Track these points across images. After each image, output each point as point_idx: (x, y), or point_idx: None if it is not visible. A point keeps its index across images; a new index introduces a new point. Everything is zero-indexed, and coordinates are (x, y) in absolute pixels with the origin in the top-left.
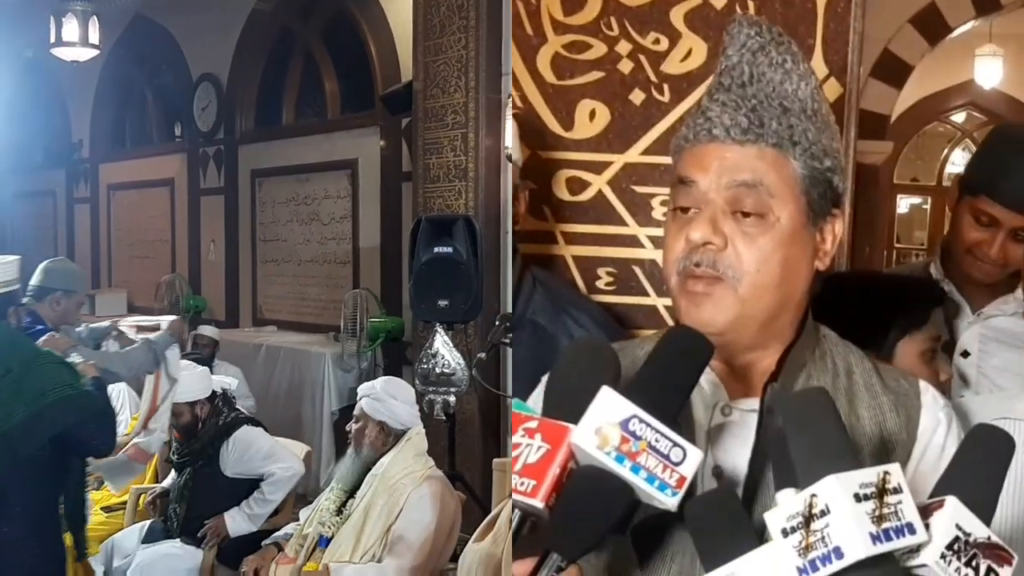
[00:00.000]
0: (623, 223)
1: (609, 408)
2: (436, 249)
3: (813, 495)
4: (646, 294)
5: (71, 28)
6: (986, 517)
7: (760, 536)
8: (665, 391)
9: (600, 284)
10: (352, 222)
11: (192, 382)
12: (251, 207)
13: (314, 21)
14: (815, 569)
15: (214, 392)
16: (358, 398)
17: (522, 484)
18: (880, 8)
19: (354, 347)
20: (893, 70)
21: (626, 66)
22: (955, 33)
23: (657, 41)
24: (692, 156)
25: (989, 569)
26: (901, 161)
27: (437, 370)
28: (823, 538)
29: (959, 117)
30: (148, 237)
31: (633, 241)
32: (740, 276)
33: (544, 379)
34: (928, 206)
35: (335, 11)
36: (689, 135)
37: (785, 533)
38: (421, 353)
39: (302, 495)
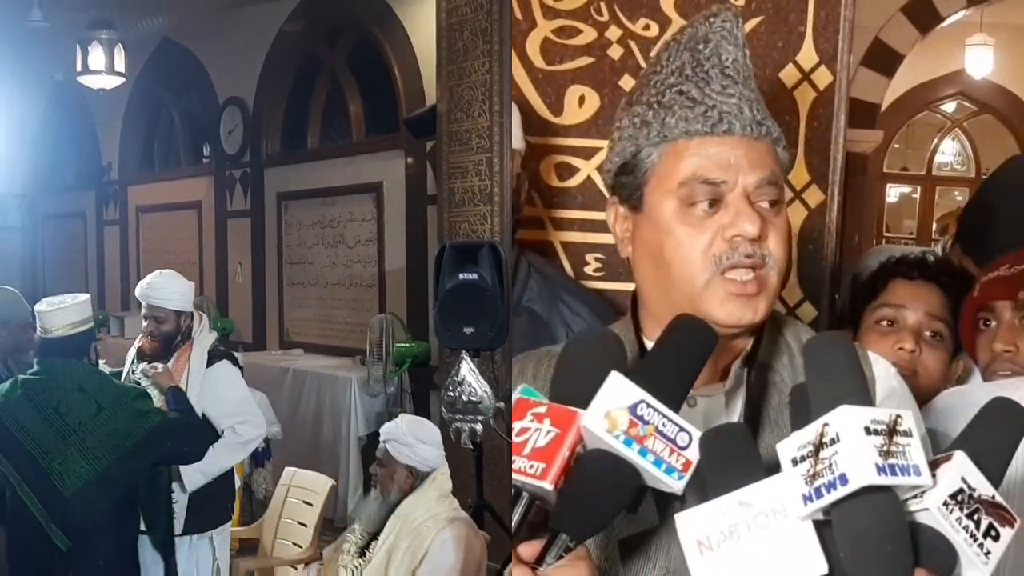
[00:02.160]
0: None
1: (618, 393)
2: (461, 276)
3: (825, 424)
4: (633, 280)
5: (97, 56)
6: (994, 481)
7: (771, 473)
8: (671, 377)
9: (588, 270)
10: (378, 245)
11: (185, 289)
12: (277, 229)
13: (339, 45)
14: (819, 496)
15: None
16: (381, 440)
17: (531, 467)
18: None
19: (380, 372)
20: (884, 59)
21: (616, 52)
22: (946, 22)
23: (647, 27)
24: (706, 152)
25: (990, 526)
26: (891, 150)
27: (464, 398)
28: (830, 466)
29: (949, 106)
30: (176, 259)
31: None
32: (774, 263)
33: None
34: (918, 195)
35: (360, 35)
36: (695, 127)
37: (795, 462)
38: (447, 381)
39: (329, 520)
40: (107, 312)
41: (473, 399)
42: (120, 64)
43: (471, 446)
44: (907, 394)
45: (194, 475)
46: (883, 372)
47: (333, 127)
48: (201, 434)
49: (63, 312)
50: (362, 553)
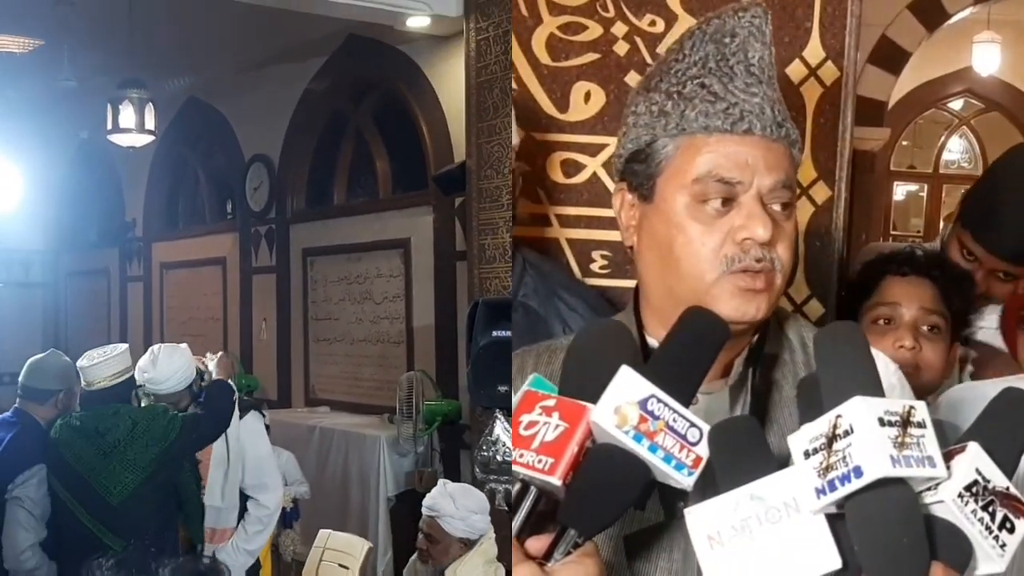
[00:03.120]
0: None
1: (628, 387)
2: (495, 333)
3: (838, 416)
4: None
5: (127, 115)
6: (1008, 472)
7: (782, 466)
8: (682, 372)
9: (594, 267)
10: (405, 301)
11: (184, 363)
12: (303, 286)
13: (366, 102)
14: (833, 489)
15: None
16: (428, 514)
17: (539, 461)
18: None
19: (410, 430)
20: (891, 57)
21: (622, 48)
22: (953, 19)
23: (653, 23)
24: (724, 150)
25: (1005, 518)
26: (898, 148)
27: (498, 458)
28: (844, 458)
29: (957, 104)
30: (200, 315)
31: None
32: (781, 267)
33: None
34: (925, 193)
35: (386, 92)
36: (715, 123)
37: (807, 455)
38: (481, 440)
39: None
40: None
41: (508, 459)
42: (150, 122)
43: (506, 507)
44: (908, 390)
45: (239, 557)
46: (883, 368)
47: (359, 184)
48: (223, 408)
49: (104, 365)
50: None
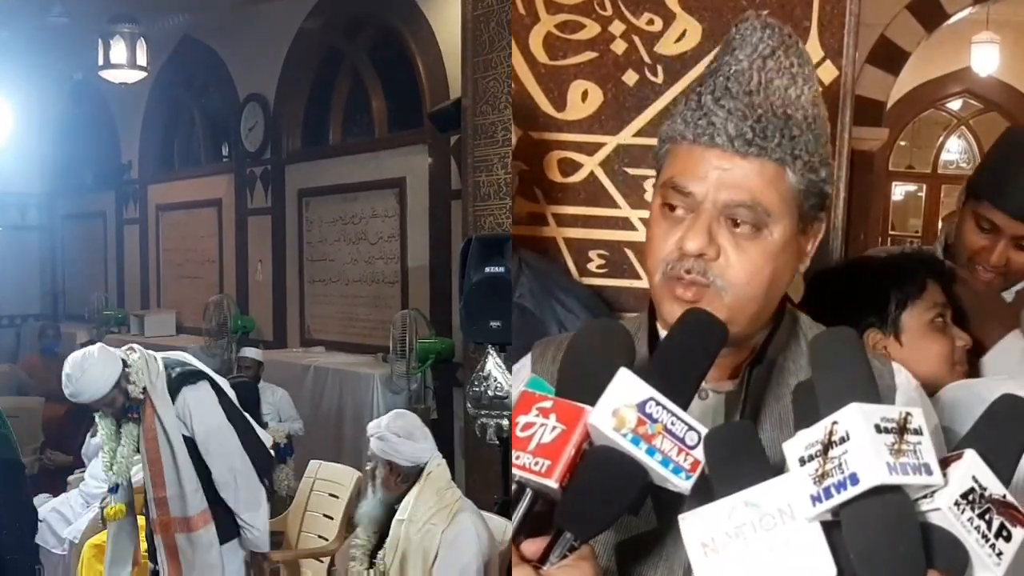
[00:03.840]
0: (615, 205)
1: (627, 390)
2: (487, 269)
3: (834, 422)
4: (638, 277)
5: (119, 50)
6: (1004, 479)
7: (774, 471)
8: (681, 374)
9: (592, 267)
10: (400, 241)
11: (104, 367)
12: (298, 227)
13: (361, 40)
14: (828, 496)
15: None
16: (368, 435)
17: (536, 464)
18: None
19: (403, 368)
20: (889, 57)
21: (619, 46)
22: (952, 20)
23: (651, 22)
24: (689, 159)
25: (1002, 526)
26: (897, 148)
27: (490, 393)
28: (840, 465)
29: (955, 104)
30: (196, 257)
31: (625, 223)
32: (728, 287)
33: (516, 365)
34: (923, 194)
35: (382, 29)
36: (687, 133)
37: (802, 462)
38: (473, 376)
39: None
40: (127, 311)
41: (499, 394)
42: (142, 58)
43: (497, 442)
44: (929, 406)
45: (260, 538)
46: (905, 382)
47: (355, 123)
48: None
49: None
50: (371, 563)
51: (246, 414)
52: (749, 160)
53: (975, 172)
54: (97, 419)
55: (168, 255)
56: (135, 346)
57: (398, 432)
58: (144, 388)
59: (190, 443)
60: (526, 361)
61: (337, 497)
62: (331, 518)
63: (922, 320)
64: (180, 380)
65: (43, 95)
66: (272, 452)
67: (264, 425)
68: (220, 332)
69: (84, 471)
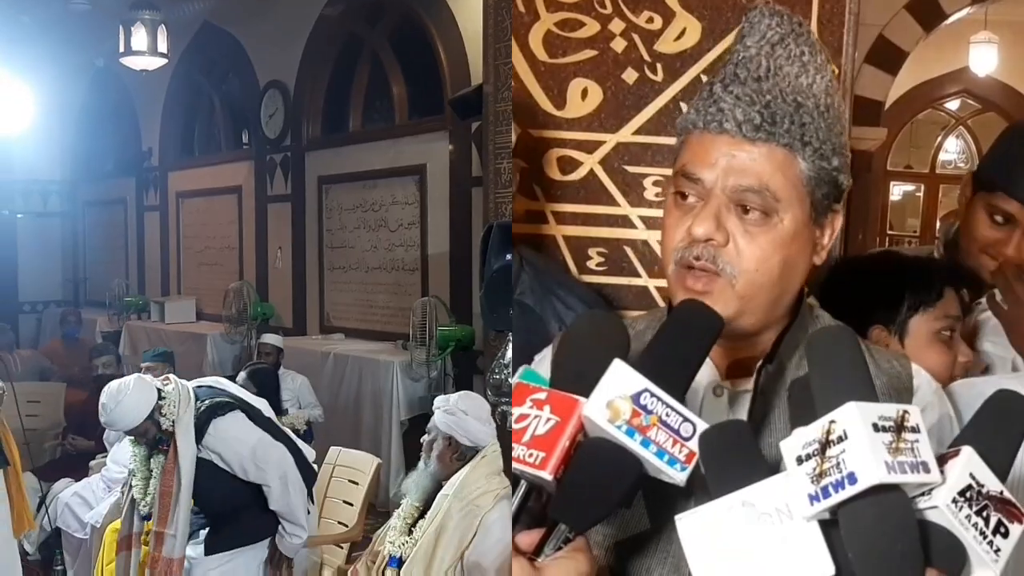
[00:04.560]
0: (615, 203)
1: (621, 381)
2: (508, 256)
3: (832, 421)
4: (637, 275)
5: (140, 38)
6: (1000, 475)
7: (772, 469)
8: (675, 366)
9: (591, 264)
10: (420, 228)
11: (140, 396)
12: (318, 214)
13: (381, 26)
14: (827, 495)
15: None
16: (433, 408)
17: (530, 456)
18: None
19: (423, 356)
20: (888, 56)
21: (619, 44)
22: (950, 20)
23: (651, 20)
24: (699, 147)
25: (999, 523)
26: (895, 148)
27: (510, 380)
28: (838, 464)
29: (953, 104)
30: (216, 244)
31: (625, 221)
32: (738, 273)
33: (538, 356)
34: (921, 193)
35: (403, 15)
36: (698, 121)
37: (800, 461)
38: (493, 363)
39: (372, 505)
40: (147, 298)
41: None
42: (163, 45)
43: None
44: (948, 411)
45: (300, 544)
46: (925, 385)
47: (375, 110)
48: None
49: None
50: (410, 530)
51: (289, 431)
52: (758, 145)
53: (985, 164)
54: (130, 445)
55: (188, 242)
56: (172, 377)
57: (466, 410)
58: (173, 421)
59: (222, 474)
60: (547, 352)
61: (357, 484)
62: (351, 504)
63: (930, 328)
64: (209, 413)
65: (65, 82)
66: (315, 468)
67: (283, 412)
68: (240, 319)
69: (106, 456)
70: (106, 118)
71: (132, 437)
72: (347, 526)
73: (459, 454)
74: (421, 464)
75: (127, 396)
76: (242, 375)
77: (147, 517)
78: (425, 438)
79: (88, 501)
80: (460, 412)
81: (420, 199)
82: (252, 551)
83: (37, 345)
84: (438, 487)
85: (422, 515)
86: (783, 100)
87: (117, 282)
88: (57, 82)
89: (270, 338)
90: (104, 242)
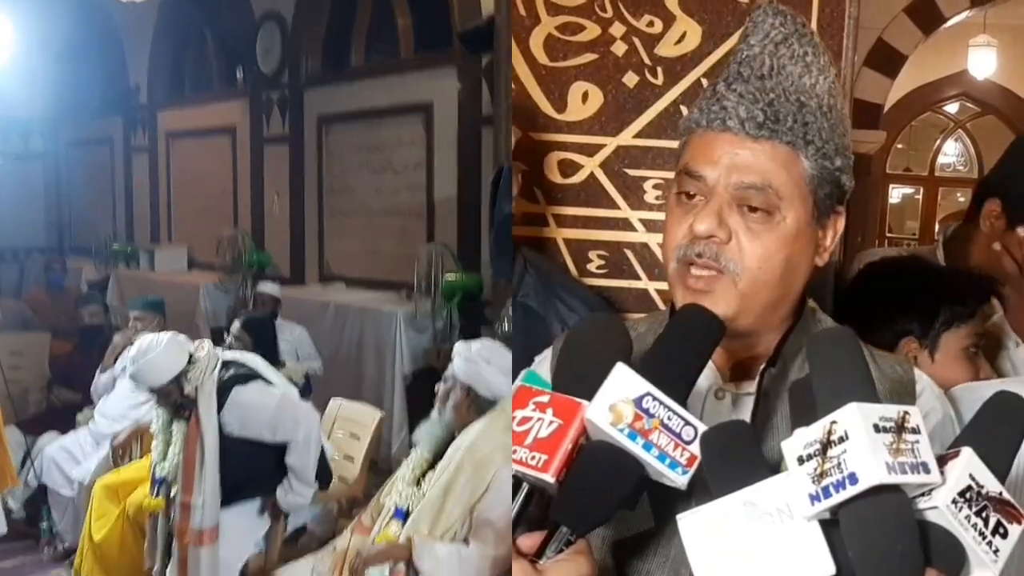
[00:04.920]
0: (615, 206)
1: (624, 385)
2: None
3: (833, 422)
4: (637, 277)
5: None
6: (1000, 476)
7: (774, 471)
8: (677, 369)
9: (591, 267)
10: (426, 171)
11: (177, 349)
12: (317, 155)
13: None
14: (827, 496)
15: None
16: (452, 355)
17: (532, 458)
18: None
19: (428, 306)
20: (887, 59)
21: (620, 48)
22: (949, 23)
23: (651, 23)
24: (703, 144)
25: (999, 523)
26: (894, 151)
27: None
28: (839, 464)
29: (952, 107)
30: (209, 189)
31: (625, 224)
32: (741, 271)
33: (538, 357)
34: (920, 196)
35: None
36: (701, 120)
37: (801, 461)
38: (502, 313)
39: (374, 462)
40: (136, 245)
41: None
42: None
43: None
44: (950, 416)
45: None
46: (925, 390)
47: (379, 42)
48: None
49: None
50: (419, 482)
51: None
52: (761, 143)
53: (1003, 182)
54: (155, 408)
55: (179, 186)
56: (207, 344)
57: (489, 360)
58: (196, 387)
59: (241, 444)
60: (547, 353)
61: (358, 439)
62: (351, 460)
63: (960, 344)
64: (232, 380)
65: (46, 11)
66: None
67: (281, 364)
68: (234, 268)
69: (93, 408)
70: (91, 51)
71: (155, 397)
72: (348, 482)
73: (476, 406)
74: (435, 414)
75: (157, 353)
76: (236, 325)
77: (159, 481)
78: (440, 386)
79: (75, 456)
80: (482, 361)
81: (426, 139)
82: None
83: (19, 295)
84: (451, 438)
85: (432, 467)
86: (786, 99)
87: (104, 228)
88: (38, 11)
89: (267, 287)
90: (89, 185)
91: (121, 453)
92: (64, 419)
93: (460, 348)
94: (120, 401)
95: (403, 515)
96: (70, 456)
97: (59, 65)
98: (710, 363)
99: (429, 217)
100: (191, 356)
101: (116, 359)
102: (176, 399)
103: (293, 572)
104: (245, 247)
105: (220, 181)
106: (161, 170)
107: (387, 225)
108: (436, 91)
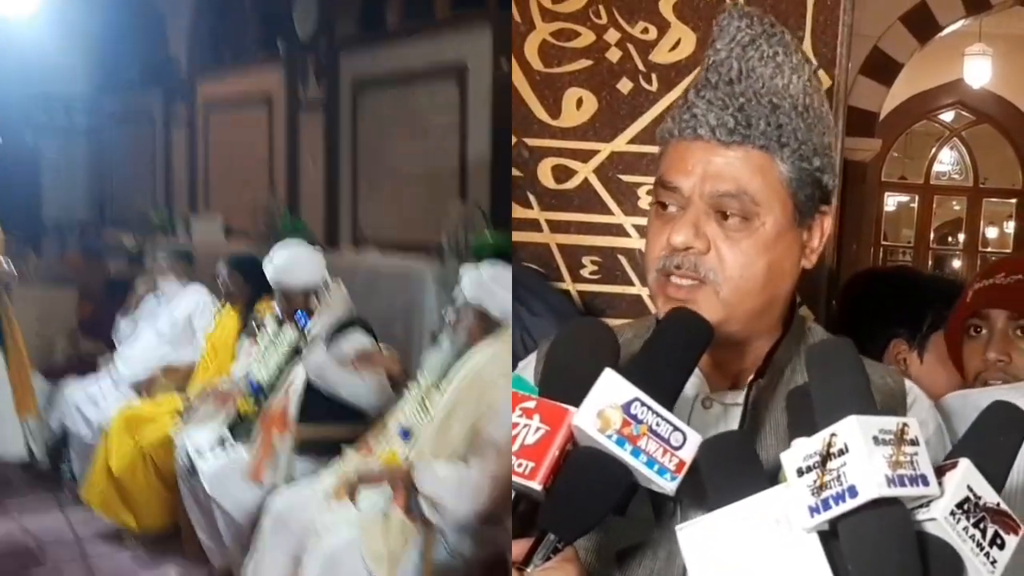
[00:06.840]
0: (609, 212)
1: (611, 391)
2: None
3: (832, 434)
4: (631, 283)
5: None
6: (997, 486)
7: (773, 482)
8: (665, 374)
9: (585, 273)
10: (459, 133)
11: (314, 257)
12: (352, 120)
13: None
14: (827, 508)
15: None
16: (460, 280)
17: (519, 466)
18: (870, 6)
19: (458, 266)
20: (883, 68)
21: (614, 55)
22: (945, 32)
23: (646, 30)
24: (676, 154)
25: (996, 534)
26: (889, 159)
27: None
28: (839, 477)
29: (948, 116)
30: (245, 156)
31: (619, 230)
32: (722, 281)
33: (522, 362)
34: (916, 204)
35: None
36: (674, 129)
37: (800, 473)
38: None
39: None
40: (174, 216)
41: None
42: None
43: None
44: (941, 428)
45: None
46: (916, 401)
47: (415, 3)
48: None
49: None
50: (424, 403)
51: None
52: (733, 149)
53: None
54: (267, 319)
55: (216, 156)
56: (340, 282)
57: (499, 282)
58: (320, 310)
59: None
60: (532, 359)
61: None
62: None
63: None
64: (340, 327)
65: None
66: None
67: None
68: (269, 235)
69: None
70: (129, 18)
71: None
72: None
73: (486, 328)
74: (446, 344)
75: (301, 254)
76: None
77: (256, 387)
78: (449, 316)
79: (96, 401)
80: (493, 284)
81: (460, 101)
82: None
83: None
84: (458, 361)
85: (438, 389)
86: (758, 102)
87: (142, 200)
88: None
89: None
90: (129, 156)
91: (145, 391)
92: (87, 368)
93: (469, 272)
94: (143, 348)
95: (407, 435)
96: (91, 401)
97: (97, 33)
98: (697, 371)
99: (461, 179)
100: (326, 282)
101: (138, 304)
102: (296, 305)
103: None
104: (279, 213)
105: (256, 146)
106: (200, 141)
107: (419, 187)
108: (470, 51)
